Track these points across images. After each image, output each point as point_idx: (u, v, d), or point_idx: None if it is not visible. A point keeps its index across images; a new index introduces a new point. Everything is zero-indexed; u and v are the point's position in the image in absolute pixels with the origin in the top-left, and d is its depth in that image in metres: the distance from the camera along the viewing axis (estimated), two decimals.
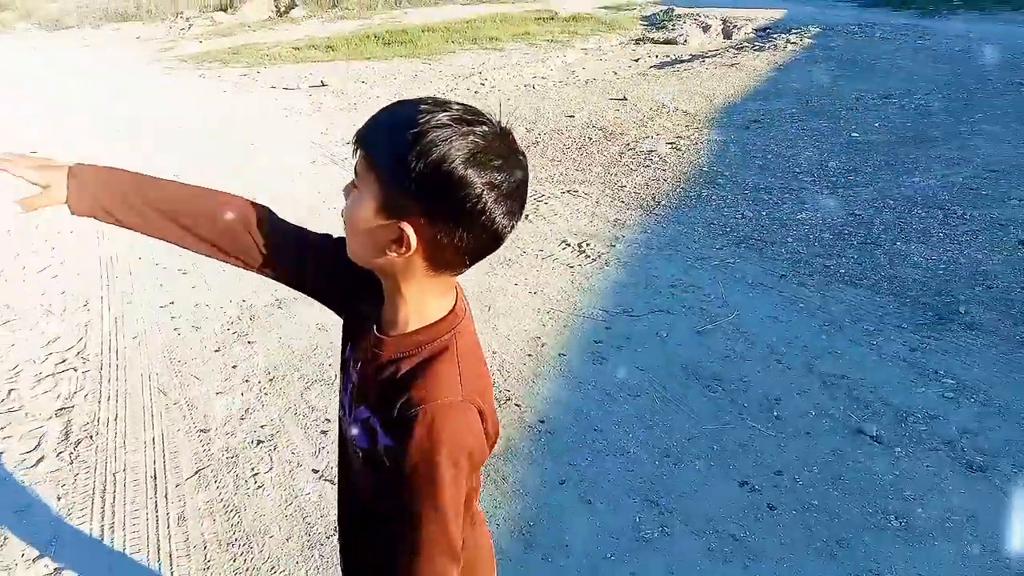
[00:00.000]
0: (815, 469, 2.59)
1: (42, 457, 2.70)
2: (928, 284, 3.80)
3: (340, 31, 14.08)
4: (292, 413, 2.95)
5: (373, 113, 0.96)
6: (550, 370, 3.20)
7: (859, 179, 5.30)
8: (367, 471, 1.08)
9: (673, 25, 12.65)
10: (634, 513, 2.42)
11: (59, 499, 2.50)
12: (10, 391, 3.10)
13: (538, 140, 6.70)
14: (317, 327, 3.56)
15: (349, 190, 0.99)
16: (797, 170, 5.55)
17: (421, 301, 1.00)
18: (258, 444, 2.78)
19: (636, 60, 10.45)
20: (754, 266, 4.10)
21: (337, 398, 3.02)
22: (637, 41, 12.02)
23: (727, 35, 12.06)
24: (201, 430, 2.86)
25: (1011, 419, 2.79)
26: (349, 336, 1.17)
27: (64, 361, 3.33)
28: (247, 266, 1.17)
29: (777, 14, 12.59)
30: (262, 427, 2.88)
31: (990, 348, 3.24)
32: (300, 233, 1.19)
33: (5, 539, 2.33)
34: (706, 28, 12.28)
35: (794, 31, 10.67)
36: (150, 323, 3.66)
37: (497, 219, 0.92)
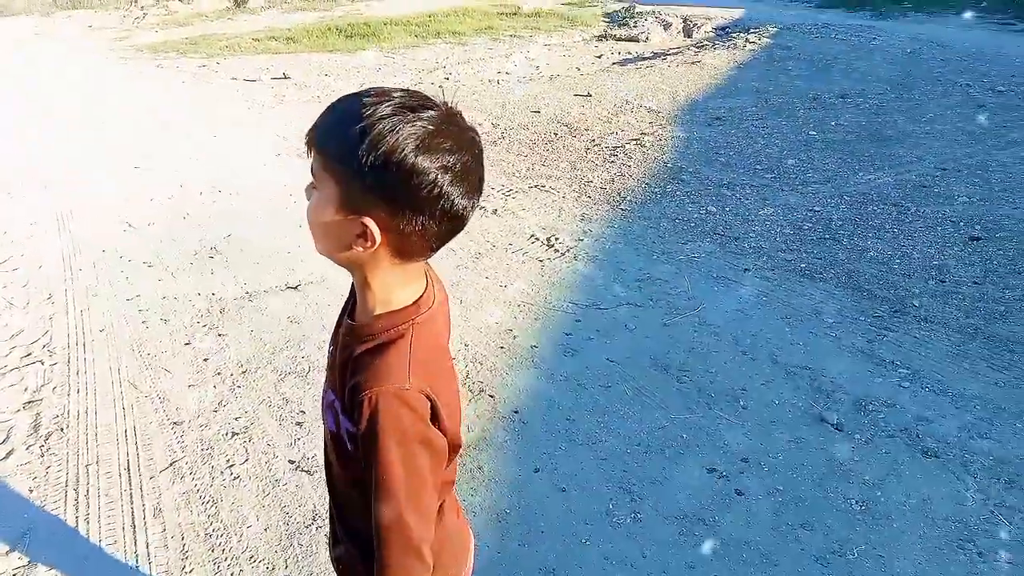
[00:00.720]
0: (780, 456, 2.69)
1: (11, 450, 2.67)
2: (884, 278, 3.95)
3: (301, 22, 13.92)
4: (266, 405, 2.95)
5: (320, 112, 0.97)
6: (522, 362, 3.26)
7: (817, 176, 5.46)
8: (338, 458, 1.11)
9: (635, 22, 12.80)
10: (607, 500, 2.49)
11: (31, 492, 2.47)
12: None
13: (504, 135, 6.74)
14: (288, 320, 3.56)
15: (310, 191, 1.00)
16: (758, 167, 5.69)
17: (387, 290, 1.02)
18: (233, 436, 2.78)
19: (599, 56, 10.55)
20: (718, 260, 4.20)
21: (312, 390, 3.01)
22: (599, 38, 12.13)
23: (688, 33, 12.24)
24: (174, 423, 2.85)
25: (962, 406, 2.93)
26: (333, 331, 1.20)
27: (30, 354, 3.28)
28: None
29: (736, 13, 12.82)
30: (236, 419, 2.87)
31: (943, 339, 3.39)
32: None
33: None
34: (667, 26, 12.45)
35: (752, 30, 10.88)
36: (117, 316, 3.61)
37: (456, 201, 0.93)
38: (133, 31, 14.03)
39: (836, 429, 2.81)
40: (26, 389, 3.03)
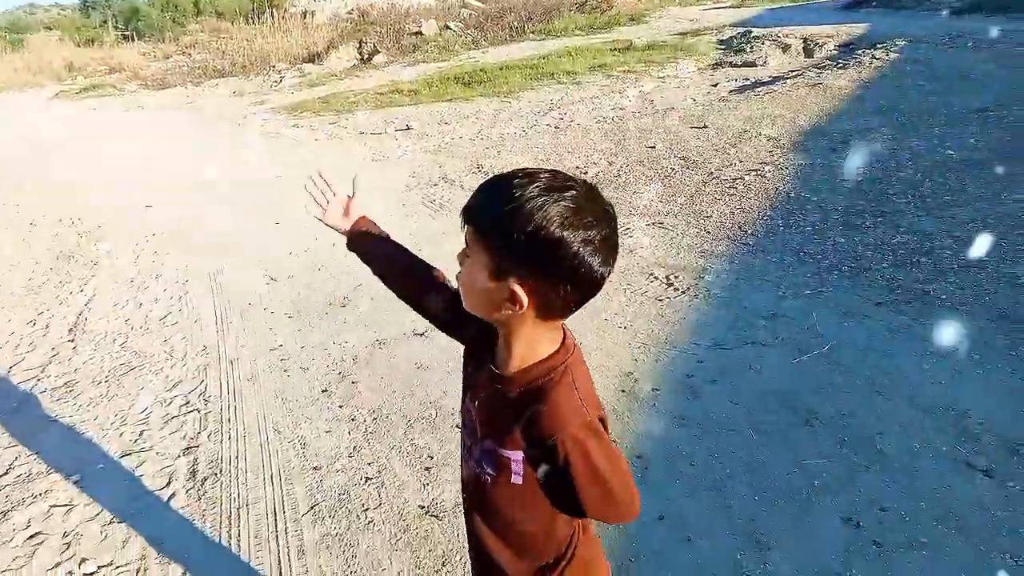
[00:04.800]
0: (922, 504, 2.53)
1: (174, 494, 2.93)
2: None
3: (422, 74, 14.58)
4: (397, 451, 3.09)
5: (476, 189, 1.12)
6: (644, 405, 3.25)
7: (957, 199, 5.14)
8: (501, 491, 1.22)
9: (751, 47, 12.54)
10: (735, 550, 2.43)
11: (191, 532, 2.71)
12: (142, 432, 3.37)
13: (620, 173, 6.77)
14: (416, 366, 3.72)
15: (462, 257, 1.16)
16: (890, 192, 5.43)
17: (532, 344, 1.16)
18: (366, 481, 2.93)
19: (714, 85, 10.41)
20: (848, 294, 4.03)
21: (438, 435, 3.11)
22: (714, 66, 11.97)
23: (808, 54, 11.88)
24: (314, 467, 3.04)
25: None
26: (468, 380, 1.33)
27: (188, 403, 3.59)
28: (436, 323, 1.46)
29: (859, 29, 12.34)
30: (369, 465, 3.03)
31: None
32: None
33: (146, 570, 2.54)
34: (786, 48, 12.13)
35: (879, 46, 10.43)
36: (262, 366, 3.90)
37: (596, 268, 1.07)
38: (271, 94, 15.18)
39: (986, 476, 2.62)
40: (184, 436, 3.32)
